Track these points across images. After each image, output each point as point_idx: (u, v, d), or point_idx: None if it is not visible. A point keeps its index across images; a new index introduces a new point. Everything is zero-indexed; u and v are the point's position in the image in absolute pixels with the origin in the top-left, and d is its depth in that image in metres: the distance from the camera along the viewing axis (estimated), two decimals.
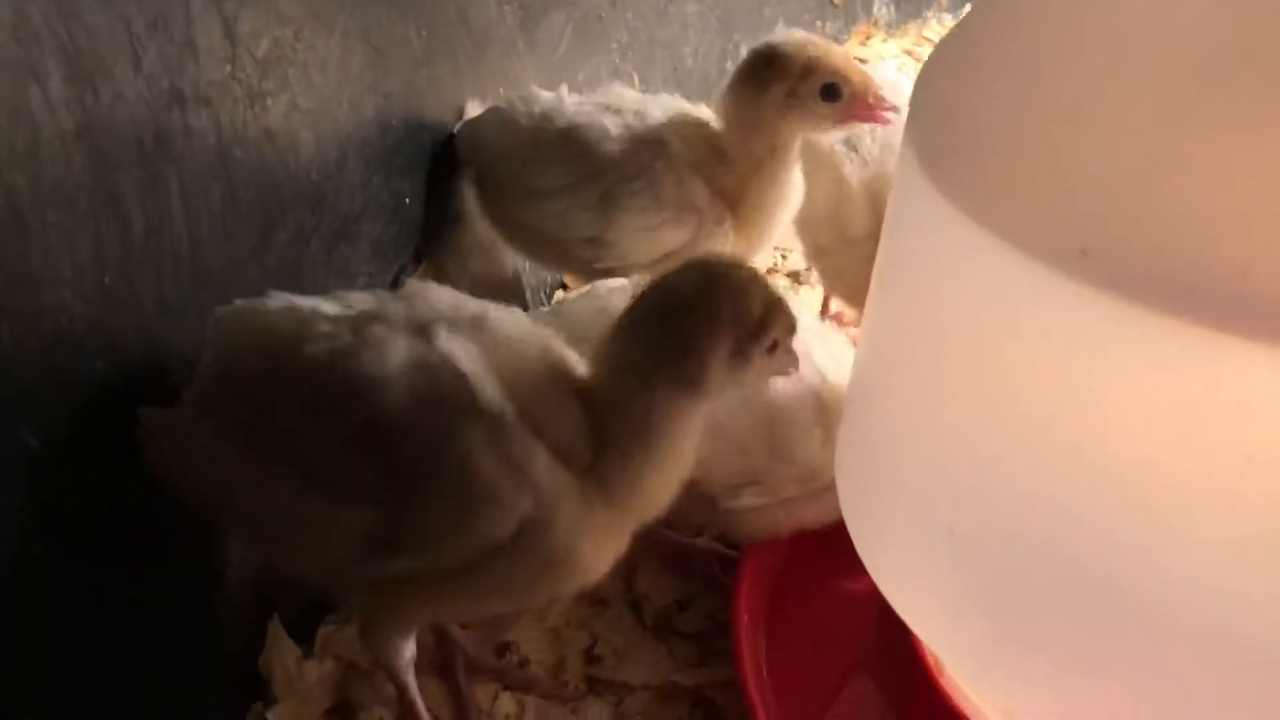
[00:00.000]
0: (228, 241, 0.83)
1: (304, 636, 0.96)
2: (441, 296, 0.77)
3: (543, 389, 0.73)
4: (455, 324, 0.74)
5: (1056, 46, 0.63)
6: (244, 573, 0.88)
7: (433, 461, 0.68)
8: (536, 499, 0.69)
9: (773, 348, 0.75)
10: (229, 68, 0.81)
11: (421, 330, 0.73)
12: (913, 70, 1.92)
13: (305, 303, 0.77)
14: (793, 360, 0.78)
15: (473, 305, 0.77)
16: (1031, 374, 0.58)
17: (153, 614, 0.81)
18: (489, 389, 0.70)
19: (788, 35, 1.07)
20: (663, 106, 1.13)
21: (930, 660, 0.86)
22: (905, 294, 0.70)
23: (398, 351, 0.71)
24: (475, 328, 0.74)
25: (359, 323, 0.73)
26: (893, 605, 0.74)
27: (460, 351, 0.71)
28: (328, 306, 0.76)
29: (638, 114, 1.12)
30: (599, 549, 0.73)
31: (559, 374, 0.75)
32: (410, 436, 0.68)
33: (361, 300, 0.77)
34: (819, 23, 1.95)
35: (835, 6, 1.96)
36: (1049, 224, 0.56)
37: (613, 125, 1.10)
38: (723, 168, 1.08)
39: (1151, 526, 0.55)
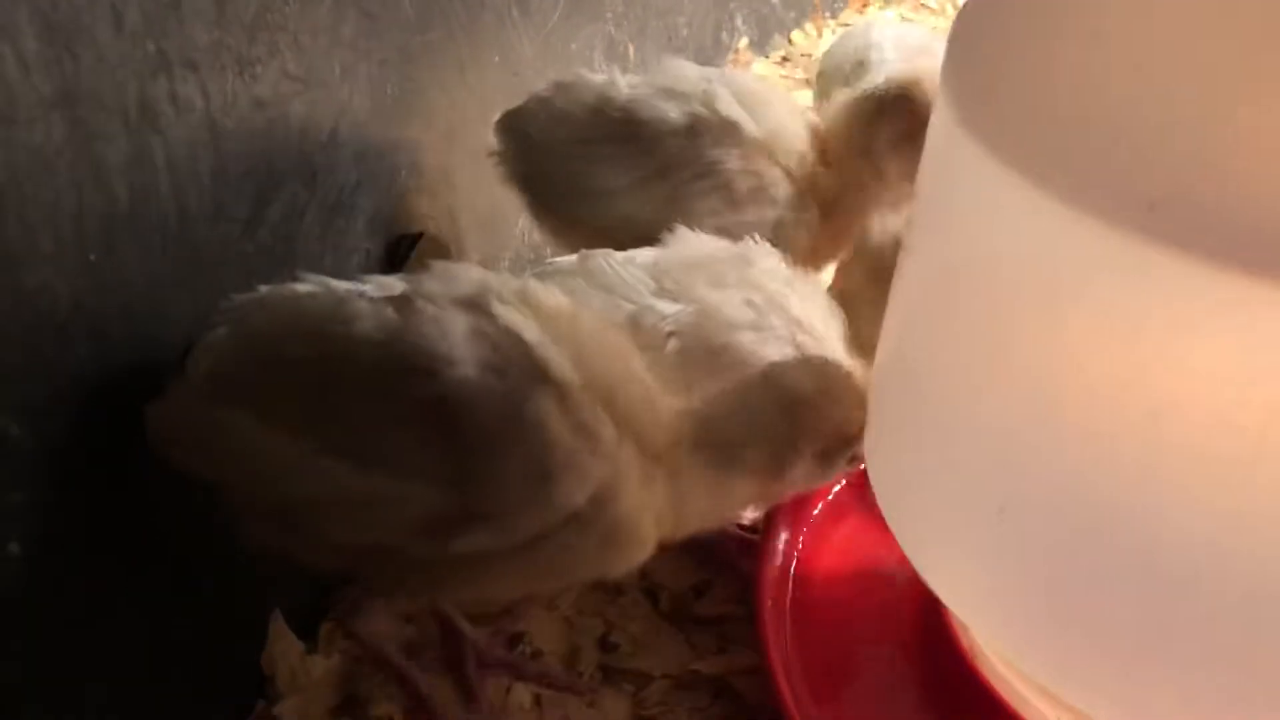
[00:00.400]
0: (218, 216, 0.78)
1: (306, 632, 0.92)
2: (472, 274, 0.75)
3: (606, 362, 0.72)
4: (503, 298, 0.71)
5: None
6: (244, 566, 0.84)
7: (508, 433, 0.67)
8: (609, 467, 0.69)
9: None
10: (216, 31, 0.76)
11: (473, 304, 0.70)
12: None
13: (338, 285, 0.75)
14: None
15: (512, 281, 0.75)
16: (1097, 339, 0.54)
17: (149, 609, 0.77)
18: (556, 357, 0.69)
19: (916, 77, 1.01)
20: (733, 87, 1.03)
21: (964, 640, 0.83)
22: (947, 260, 0.66)
23: (457, 325, 0.69)
24: (522, 302, 0.72)
25: (402, 301, 0.71)
26: (935, 590, 0.70)
27: (521, 321, 0.69)
28: (362, 287, 0.74)
29: (705, 96, 1.02)
30: (655, 525, 0.74)
31: (620, 349, 0.75)
32: (482, 409, 0.66)
33: (394, 282, 0.74)
34: None
35: None
36: (1111, 178, 0.52)
37: (676, 113, 1.00)
38: (820, 165, 1.01)
39: (1234, 499, 0.52)
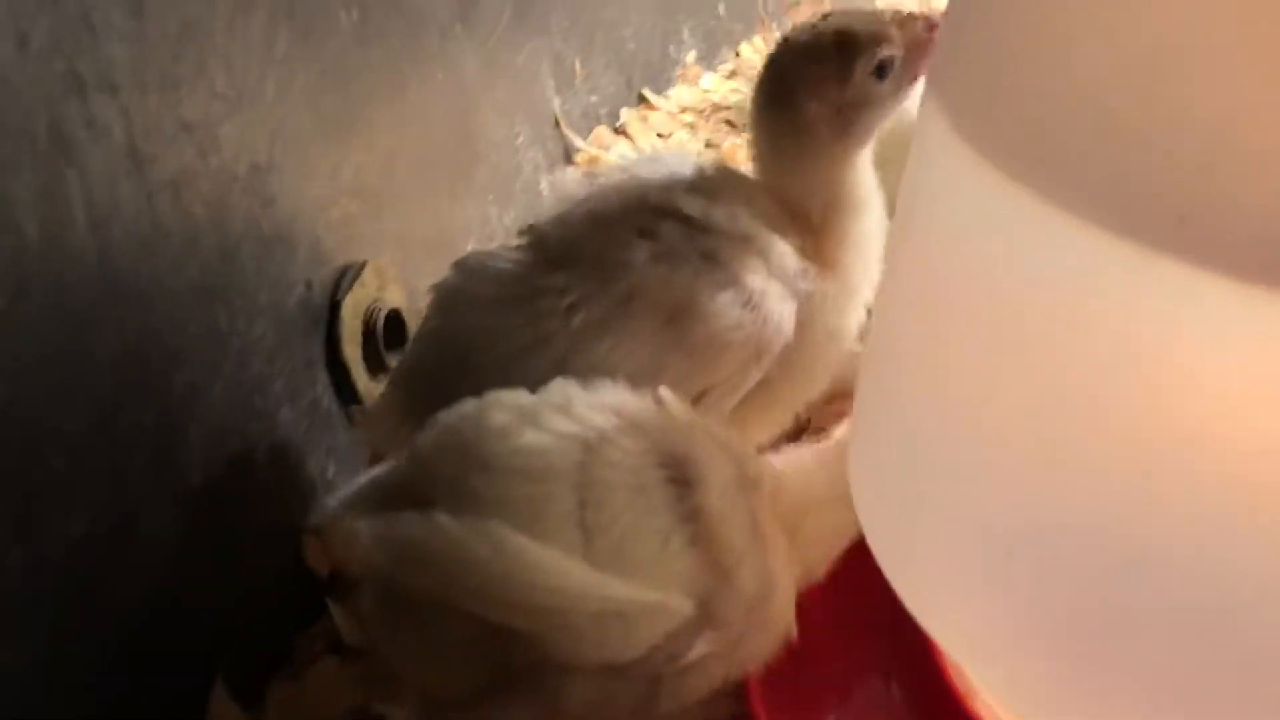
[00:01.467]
0: (144, 251, 0.72)
1: (250, 698, 0.85)
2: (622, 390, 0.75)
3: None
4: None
5: None
6: (187, 635, 0.77)
7: (745, 542, 0.70)
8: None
9: None
10: (136, 48, 0.69)
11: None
12: None
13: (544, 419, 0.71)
14: None
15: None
16: (1120, 364, 0.50)
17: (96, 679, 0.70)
18: (758, 465, 0.74)
19: (797, 30, 0.86)
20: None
21: (950, 665, 0.78)
22: (939, 281, 0.61)
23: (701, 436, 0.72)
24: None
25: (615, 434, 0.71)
26: (934, 636, 0.65)
27: (723, 433, 0.74)
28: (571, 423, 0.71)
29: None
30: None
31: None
32: (729, 522, 0.70)
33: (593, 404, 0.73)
34: (761, 3, 1.87)
35: None
36: (1132, 189, 0.48)
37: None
38: (794, 226, 0.85)
39: (1275, 534, 0.47)
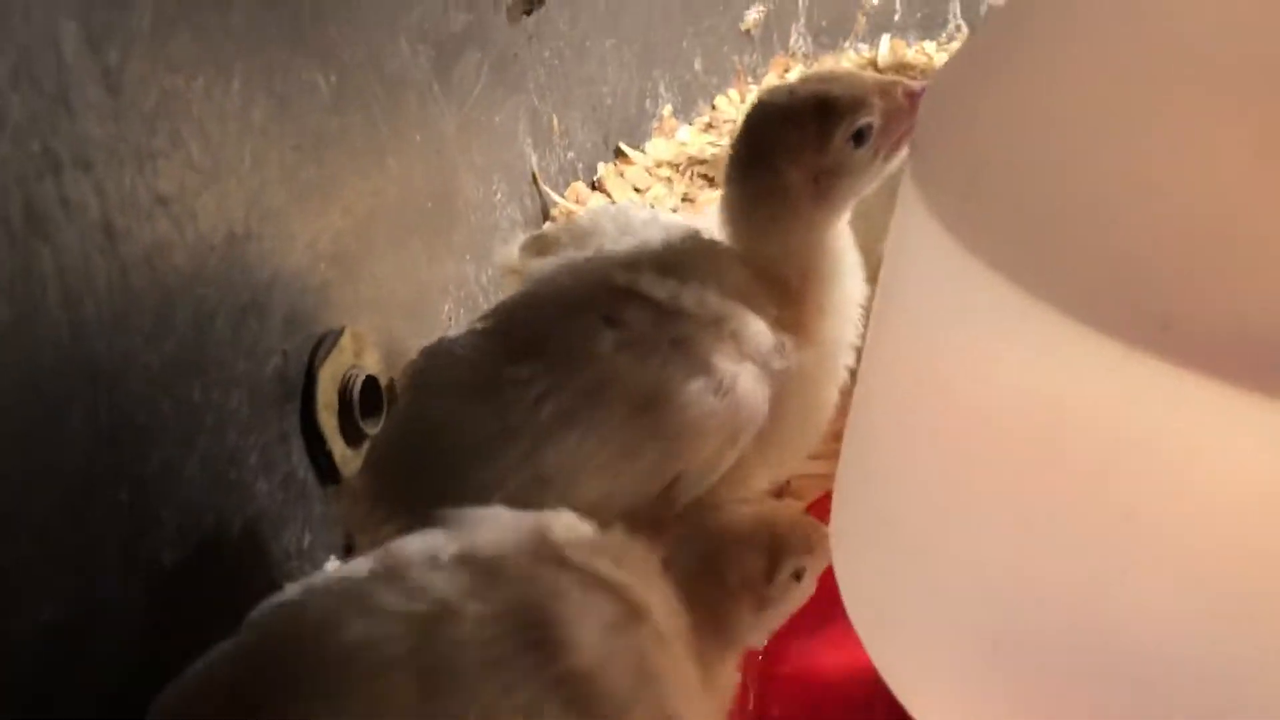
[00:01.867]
0: (118, 327, 0.70)
1: None
2: (519, 518, 0.68)
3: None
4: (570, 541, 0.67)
5: (1094, 72, 0.54)
6: None
7: (632, 688, 0.63)
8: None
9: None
10: (112, 125, 0.69)
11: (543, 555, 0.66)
12: None
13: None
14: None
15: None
16: (1104, 463, 0.49)
17: None
18: (645, 595, 0.66)
19: (774, 91, 0.84)
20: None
21: None
22: (919, 371, 0.61)
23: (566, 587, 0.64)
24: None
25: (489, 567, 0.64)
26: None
27: (603, 567, 0.66)
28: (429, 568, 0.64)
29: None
30: None
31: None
32: (607, 674, 0.62)
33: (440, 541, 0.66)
34: (736, 56, 1.89)
35: (754, 37, 1.90)
36: (1118, 292, 0.48)
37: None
38: (770, 294, 0.84)
39: (1266, 635, 0.47)
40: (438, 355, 0.84)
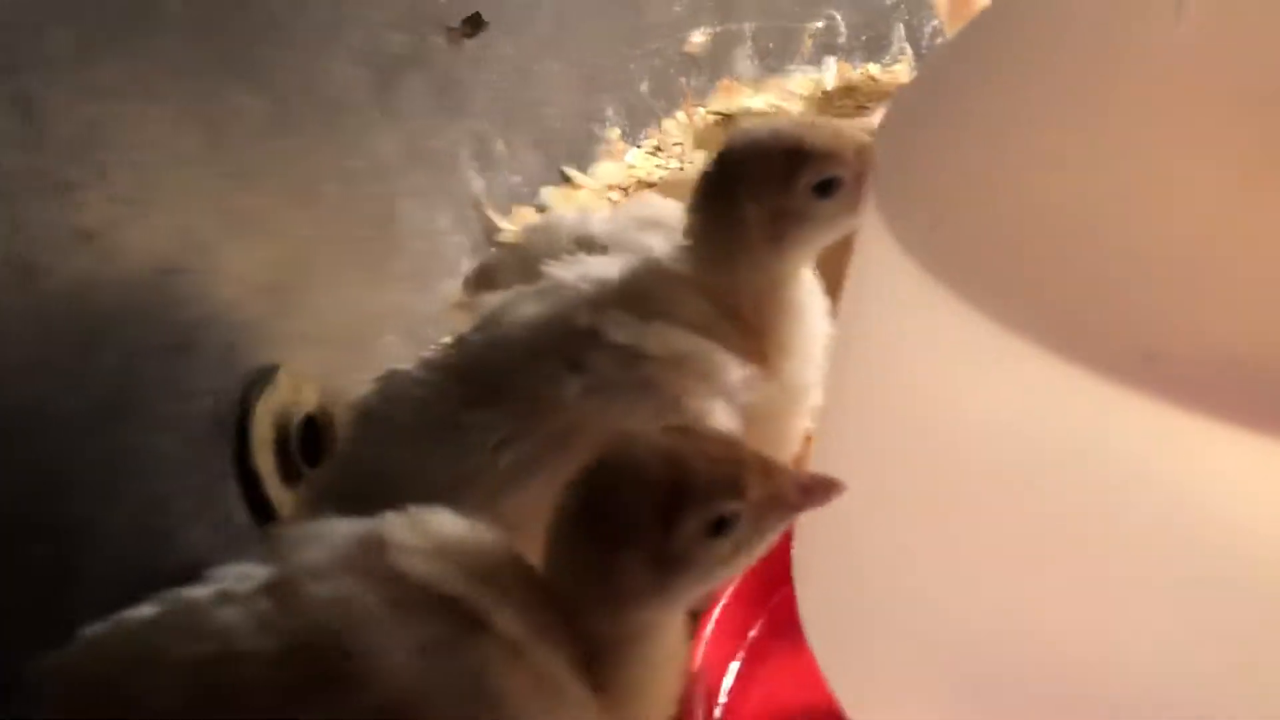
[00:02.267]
0: (37, 370, 0.66)
1: None
2: (345, 526, 0.63)
3: (533, 597, 0.61)
4: (404, 545, 0.61)
5: (1061, 97, 0.53)
6: None
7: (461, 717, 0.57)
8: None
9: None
10: (28, 155, 0.65)
11: (370, 566, 0.60)
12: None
13: (188, 593, 0.61)
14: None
15: (396, 518, 0.64)
16: (1083, 496, 0.47)
17: None
18: (492, 603, 0.59)
19: (756, 124, 0.84)
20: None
21: None
22: (888, 405, 0.58)
23: (365, 601, 0.58)
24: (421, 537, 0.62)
25: (281, 588, 0.59)
26: None
27: (437, 570, 0.59)
28: (221, 585, 0.60)
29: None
30: None
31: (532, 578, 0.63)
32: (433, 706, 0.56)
33: (254, 568, 0.61)
34: (683, 78, 1.86)
35: (700, 60, 1.88)
36: (1098, 323, 0.45)
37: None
38: (733, 325, 0.81)
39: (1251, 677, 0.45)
40: (389, 394, 0.80)
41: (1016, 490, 0.51)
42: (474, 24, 1.38)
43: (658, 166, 1.72)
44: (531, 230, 1.03)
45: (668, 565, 0.58)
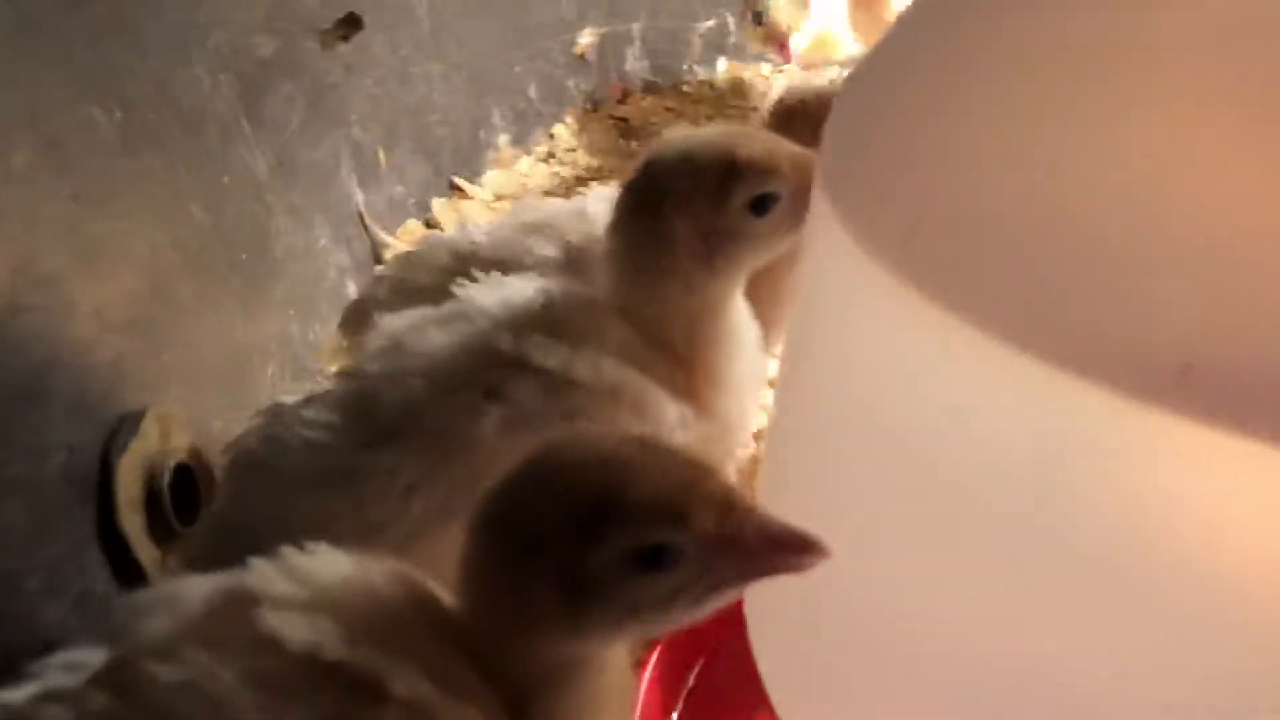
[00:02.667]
0: None
1: None
2: (202, 585, 0.54)
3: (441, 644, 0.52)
4: (277, 601, 0.51)
5: (1036, 88, 0.46)
6: None
7: None
8: None
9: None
10: None
11: (229, 634, 0.50)
12: (681, 126, 1.78)
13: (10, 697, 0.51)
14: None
15: (261, 565, 0.54)
16: (1100, 521, 0.41)
17: None
18: (386, 666, 0.49)
19: (681, 135, 0.75)
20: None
21: None
22: (851, 418, 0.51)
23: (223, 679, 0.48)
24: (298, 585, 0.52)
25: (119, 674, 0.50)
26: None
27: (317, 627, 0.50)
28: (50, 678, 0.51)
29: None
30: None
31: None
32: None
33: (88, 654, 0.52)
34: (572, 81, 1.79)
35: (589, 62, 1.80)
36: (1125, 336, 0.39)
37: None
38: (661, 357, 0.74)
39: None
40: (274, 436, 0.70)
41: (1027, 512, 0.44)
42: (348, 25, 1.29)
43: (552, 174, 1.64)
44: (405, 256, 0.94)
45: (582, 594, 0.48)
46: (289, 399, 0.73)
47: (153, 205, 0.86)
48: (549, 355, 0.68)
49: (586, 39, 1.79)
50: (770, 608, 0.61)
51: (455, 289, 0.74)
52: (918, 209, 0.46)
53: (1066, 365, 0.39)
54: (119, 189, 0.81)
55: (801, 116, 0.86)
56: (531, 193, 1.58)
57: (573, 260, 0.80)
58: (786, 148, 0.71)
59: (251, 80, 1.05)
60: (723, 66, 1.97)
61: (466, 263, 0.81)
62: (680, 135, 0.74)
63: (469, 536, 0.51)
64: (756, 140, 0.72)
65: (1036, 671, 0.47)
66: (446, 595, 0.54)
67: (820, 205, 0.53)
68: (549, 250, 0.81)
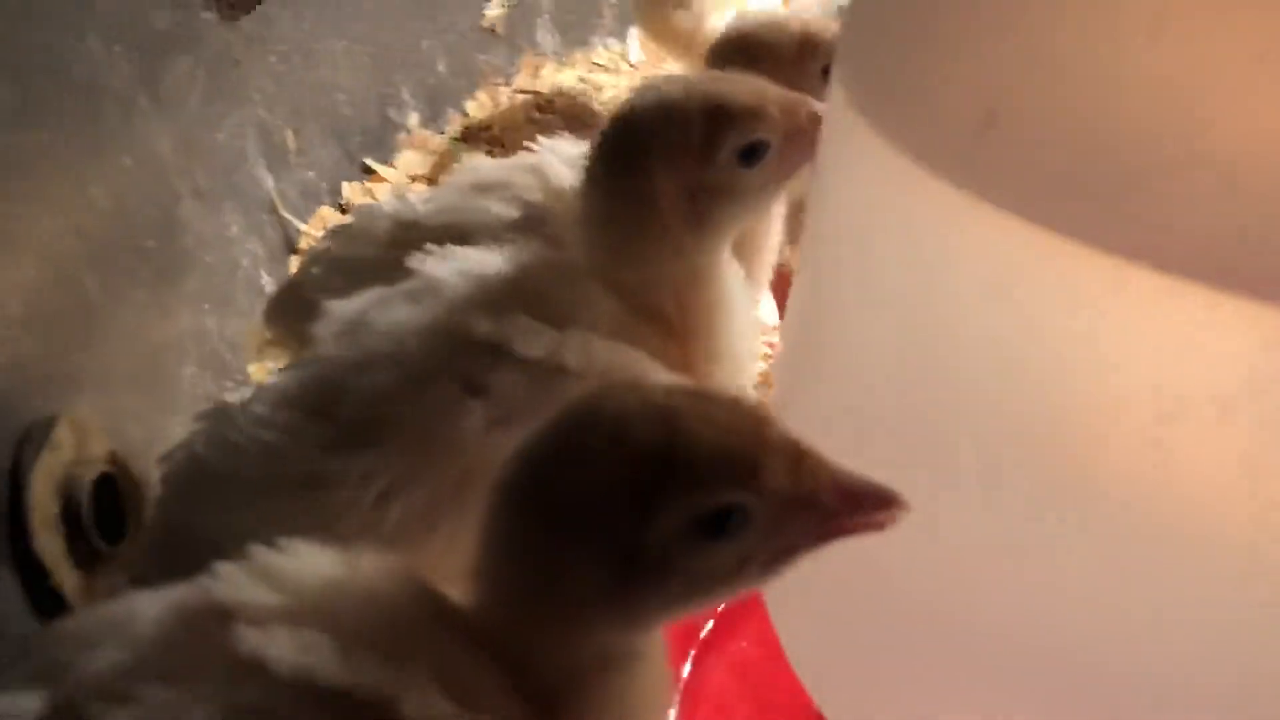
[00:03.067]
0: None
1: None
2: (152, 603, 0.46)
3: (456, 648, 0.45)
4: (254, 615, 0.43)
5: None
6: None
7: None
8: None
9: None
10: None
11: (197, 662, 0.42)
12: (598, 99, 1.72)
13: None
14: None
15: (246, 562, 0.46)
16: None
17: None
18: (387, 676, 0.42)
19: (660, 81, 0.68)
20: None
21: None
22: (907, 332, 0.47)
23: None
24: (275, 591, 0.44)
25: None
26: None
27: (307, 643, 0.42)
28: None
29: None
30: None
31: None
32: None
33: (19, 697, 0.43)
34: (482, 55, 1.71)
35: (498, 35, 1.73)
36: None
37: None
38: (653, 328, 0.68)
39: None
40: (220, 439, 0.62)
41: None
42: None
43: (466, 154, 1.56)
44: (340, 230, 0.85)
45: (638, 569, 0.41)
46: (236, 397, 0.65)
47: (47, 187, 0.77)
48: (533, 341, 0.61)
49: (495, 11, 1.71)
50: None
51: (411, 263, 0.67)
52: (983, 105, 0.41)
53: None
54: (11, 169, 0.72)
55: (746, 49, 0.80)
56: (447, 172, 1.51)
57: (534, 220, 0.73)
58: (773, 91, 0.65)
59: (148, 53, 0.96)
60: (634, 37, 1.91)
61: (411, 232, 0.74)
62: (666, 80, 0.67)
63: (491, 513, 0.44)
64: (740, 84, 0.66)
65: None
66: (452, 591, 0.47)
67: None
68: (506, 210, 0.73)
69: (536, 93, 1.71)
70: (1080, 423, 0.41)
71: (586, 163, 0.67)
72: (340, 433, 0.60)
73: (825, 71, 0.71)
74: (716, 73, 0.70)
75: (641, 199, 0.65)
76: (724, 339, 0.68)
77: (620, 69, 1.84)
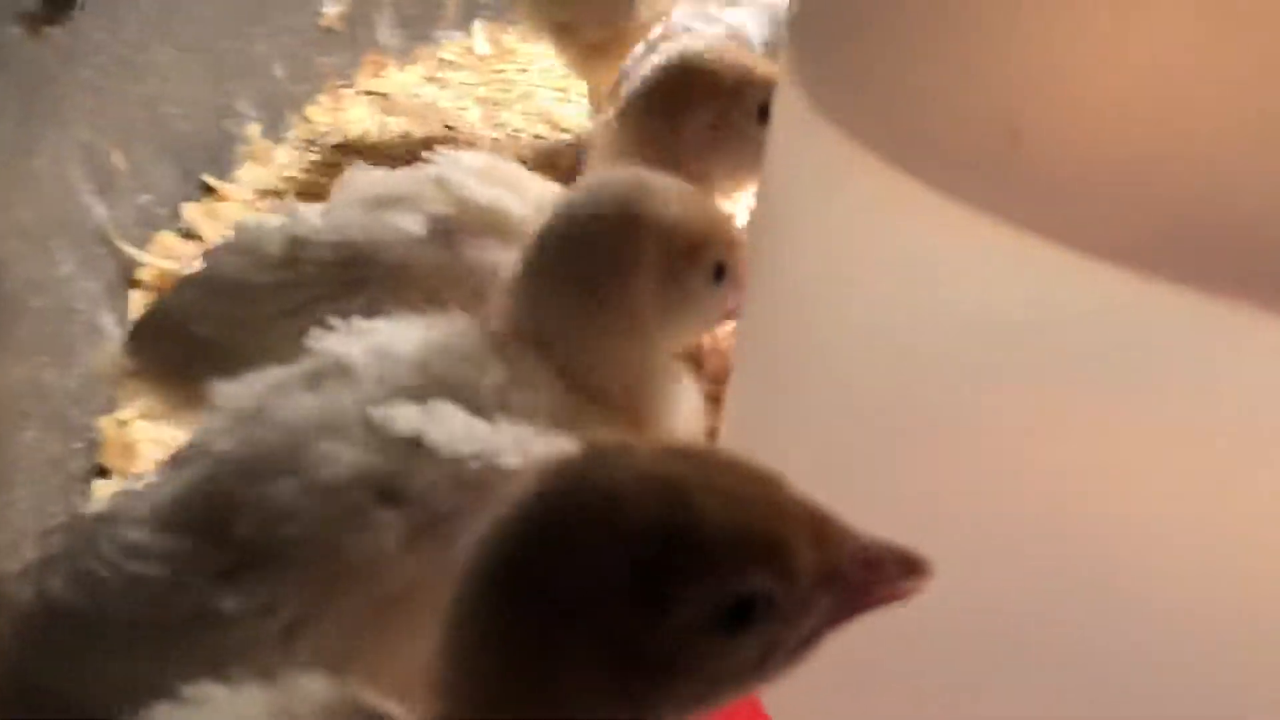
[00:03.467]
0: None
1: None
2: None
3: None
4: None
5: None
6: None
7: None
8: None
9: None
10: None
11: None
12: (446, 97, 1.64)
13: None
14: None
15: None
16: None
17: None
18: None
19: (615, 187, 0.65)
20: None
21: None
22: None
23: None
24: None
25: None
26: None
27: None
28: None
29: None
30: None
31: None
32: None
33: None
34: (321, 56, 1.60)
35: (338, 34, 1.62)
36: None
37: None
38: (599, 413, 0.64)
39: None
40: (83, 573, 0.51)
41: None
42: (57, 6, 1.08)
43: (313, 163, 1.46)
44: (219, 249, 0.77)
45: (641, 670, 0.35)
46: (96, 507, 0.54)
47: None
48: (459, 434, 0.53)
49: (333, 8, 1.62)
50: None
51: (311, 343, 0.58)
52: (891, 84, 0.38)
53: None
54: None
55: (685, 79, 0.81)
56: (295, 185, 1.40)
57: (442, 234, 0.68)
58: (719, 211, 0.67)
59: None
60: (479, 31, 1.83)
61: (307, 250, 0.66)
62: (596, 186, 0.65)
63: (454, 610, 0.37)
64: (698, 202, 0.65)
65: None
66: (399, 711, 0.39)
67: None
68: (412, 226, 0.67)
69: (380, 94, 1.62)
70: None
71: (534, 253, 0.63)
72: (231, 558, 0.51)
73: (763, 111, 0.72)
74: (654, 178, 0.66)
75: (617, 302, 0.61)
76: (669, 422, 0.63)
77: (468, 64, 1.76)
